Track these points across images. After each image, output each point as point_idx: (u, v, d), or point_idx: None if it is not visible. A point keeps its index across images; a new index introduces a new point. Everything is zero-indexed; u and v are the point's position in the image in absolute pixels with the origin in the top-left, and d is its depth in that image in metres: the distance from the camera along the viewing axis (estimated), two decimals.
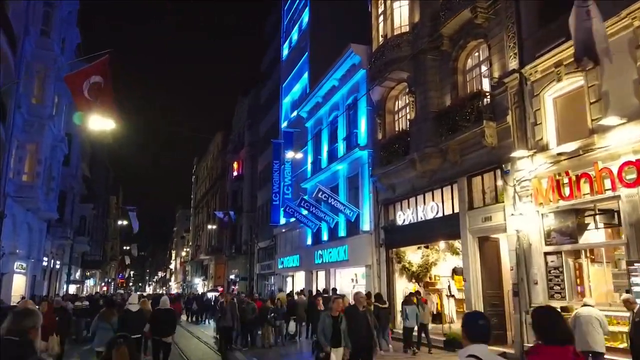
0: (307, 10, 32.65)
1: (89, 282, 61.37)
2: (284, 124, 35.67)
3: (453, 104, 15.77)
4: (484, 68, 15.77)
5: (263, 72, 45.83)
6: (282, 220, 33.42)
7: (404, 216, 19.22)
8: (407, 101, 19.31)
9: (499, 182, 14.30)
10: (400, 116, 20.16)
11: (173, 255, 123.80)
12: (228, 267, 52.81)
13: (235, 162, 51.64)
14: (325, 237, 26.04)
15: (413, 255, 19.75)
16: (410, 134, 17.94)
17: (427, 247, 18.99)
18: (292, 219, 30.78)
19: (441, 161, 16.76)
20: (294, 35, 35.64)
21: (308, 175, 28.89)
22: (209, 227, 55.82)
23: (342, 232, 23.83)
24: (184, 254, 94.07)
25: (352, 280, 24.10)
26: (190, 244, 79.18)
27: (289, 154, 21.53)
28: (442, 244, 18.32)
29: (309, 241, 28.30)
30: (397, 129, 20.10)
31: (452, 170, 16.29)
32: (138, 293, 44.73)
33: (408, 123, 18.57)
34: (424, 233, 17.85)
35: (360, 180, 22.30)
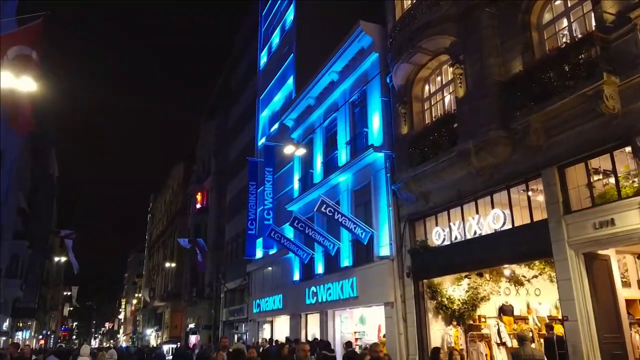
0: (291, 9, 28.30)
1: (21, 335, 52.37)
2: (261, 141, 30.52)
3: (540, 62, 11.09)
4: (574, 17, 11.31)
5: (234, 90, 40.91)
6: (259, 254, 27.69)
7: (443, 234, 14.14)
8: (448, 78, 14.68)
9: (629, 166, 9.57)
10: (433, 102, 15.39)
11: (123, 303, 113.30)
12: (187, 314, 45.81)
13: (199, 193, 45.70)
14: (320, 269, 20.53)
15: (454, 288, 14.60)
16: (459, 118, 13.15)
17: (480, 276, 13.90)
18: (272, 251, 25.26)
19: (510, 150, 11.96)
20: (275, 40, 31.11)
21: (295, 195, 23.60)
22: (168, 264, 48.81)
23: (346, 261, 18.45)
24: (135, 301, 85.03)
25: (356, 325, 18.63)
26: (143, 290, 70.90)
27: (288, 149, 16.14)
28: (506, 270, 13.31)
29: (297, 276, 22.67)
30: (430, 117, 15.27)
31: (528, 160, 11.49)
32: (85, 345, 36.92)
33: (454, 103, 13.82)
34: (478, 255, 12.77)
35: (373, 192, 17.19)
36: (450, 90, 14.62)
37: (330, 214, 16.57)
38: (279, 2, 30.93)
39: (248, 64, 36.59)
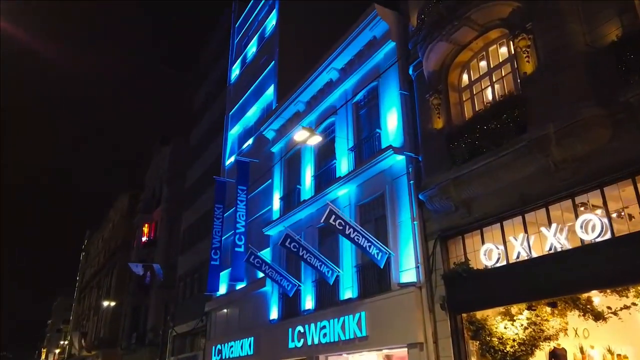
0: (273, 15, 25.54)
1: None
2: (229, 160, 26.81)
3: None
4: None
5: (196, 110, 37.18)
6: (223, 289, 23.40)
7: (497, 252, 10.94)
8: (497, 61, 11.90)
9: None
10: (475, 92, 12.50)
11: (43, 354, 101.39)
12: None
13: (146, 225, 40.67)
14: (309, 303, 16.66)
15: (506, 323, 11.27)
16: (529, 99, 10.25)
17: (554, 306, 10.69)
18: (241, 285, 21.21)
19: (609, 134, 9.12)
20: (250, 51, 28.08)
21: (274, 217, 19.92)
22: (106, 303, 42.50)
23: (348, 292, 14.79)
24: (58, 350, 75.59)
25: None
26: (71, 336, 62.67)
27: (300, 135, 12.65)
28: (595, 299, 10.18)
29: (275, 314, 18.61)
30: (472, 109, 12.32)
31: (636, 147, 8.67)
32: None
33: (518, 84, 10.96)
34: (556, 277, 9.57)
35: (389, 205, 13.89)
36: (500, 76, 11.85)
37: (341, 227, 13.06)
38: (258, 10, 28.19)
39: (216, 80, 33.19)
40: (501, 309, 11.24)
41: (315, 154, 18.48)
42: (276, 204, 20.31)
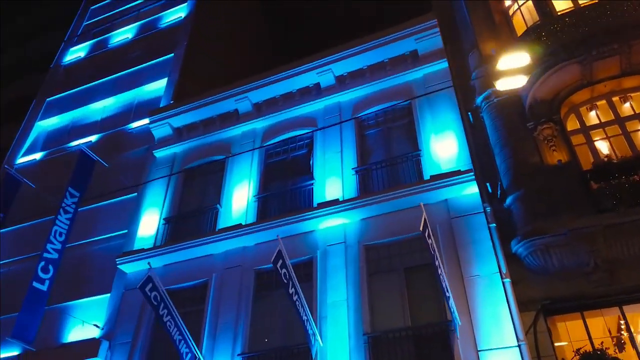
0: (182, 9, 19.86)
1: None
2: (29, 157, 17.33)
3: None
4: None
5: None
6: None
7: None
8: (609, 117, 9.82)
9: None
10: (611, 134, 9.90)
11: None
12: None
13: None
14: None
15: None
16: None
17: None
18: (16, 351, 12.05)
19: None
20: (118, 38, 20.71)
21: (138, 246, 12.32)
22: None
23: None
24: None
25: None
26: None
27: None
28: None
29: None
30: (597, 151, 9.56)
31: None
32: None
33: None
34: None
35: (444, 253, 9.29)
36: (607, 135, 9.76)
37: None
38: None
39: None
40: None
41: (259, 169, 12.63)
42: (149, 227, 12.75)
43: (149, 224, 12.84)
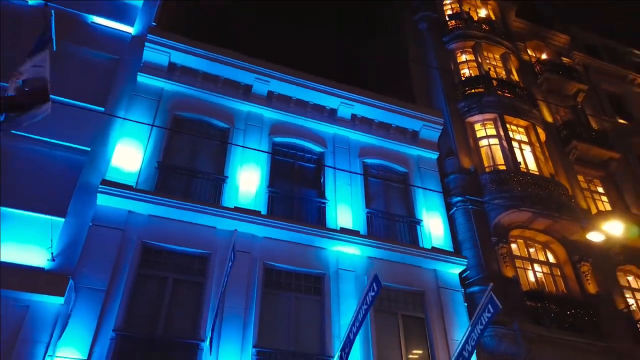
0: None
1: None
2: None
3: None
4: None
5: None
6: None
7: None
8: (542, 258, 14.19)
9: None
10: (526, 266, 13.74)
11: None
12: None
13: None
14: None
15: None
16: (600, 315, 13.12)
17: None
18: None
19: None
20: None
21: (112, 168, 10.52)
22: None
23: None
24: None
25: None
26: None
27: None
28: None
29: None
30: (529, 280, 13.36)
31: None
32: None
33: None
34: None
35: (434, 318, 11.48)
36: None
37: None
38: None
39: None
40: None
41: (269, 161, 12.42)
42: (129, 161, 10.84)
43: (129, 157, 10.88)
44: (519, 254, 14.00)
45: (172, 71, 12.79)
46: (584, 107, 20.11)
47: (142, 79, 12.35)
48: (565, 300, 13.11)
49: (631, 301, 14.78)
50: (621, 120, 20.69)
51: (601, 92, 21.46)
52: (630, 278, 15.64)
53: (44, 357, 8.26)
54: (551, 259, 14.47)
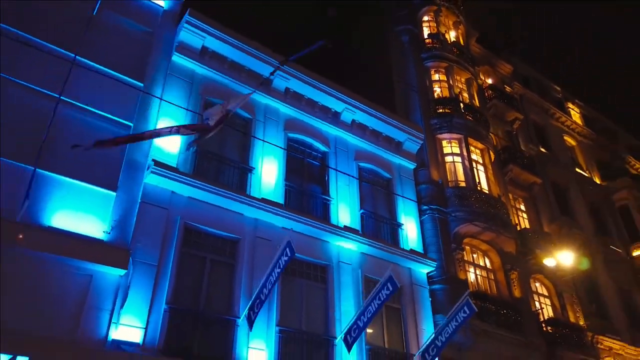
0: None
1: None
2: None
3: None
4: None
5: None
6: None
7: None
8: (483, 263, 17.06)
9: None
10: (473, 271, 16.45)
11: None
12: None
13: None
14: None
15: None
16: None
17: None
18: None
19: None
20: None
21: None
22: None
23: None
24: None
25: None
26: None
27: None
28: None
29: (125, 333, 9.16)
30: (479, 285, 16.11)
31: None
32: None
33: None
34: None
35: (408, 310, 13.71)
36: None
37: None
38: None
39: None
40: None
41: (285, 155, 13.58)
42: (170, 142, 11.47)
43: (168, 138, 11.50)
44: (467, 259, 16.74)
45: (203, 55, 13.28)
46: (517, 134, 23.50)
47: (177, 58, 12.77)
48: (500, 302, 16.12)
49: (537, 305, 18.36)
50: (542, 149, 24.45)
51: (530, 122, 25.04)
52: (538, 284, 19.26)
53: (109, 324, 9.05)
54: (488, 264, 17.45)
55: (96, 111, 10.83)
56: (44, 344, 8.17)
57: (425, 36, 21.25)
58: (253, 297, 10.35)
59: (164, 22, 13.19)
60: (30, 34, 10.49)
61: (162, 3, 13.45)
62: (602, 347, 19.14)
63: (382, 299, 11.03)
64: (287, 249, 9.89)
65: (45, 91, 10.21)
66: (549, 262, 16.32)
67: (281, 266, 9.95)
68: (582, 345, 17.82)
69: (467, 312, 12.14)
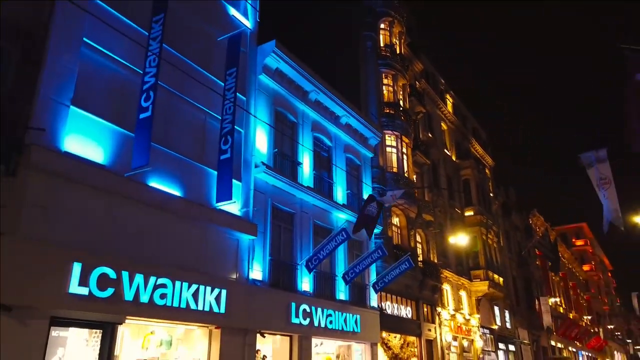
0: None
1: None
2: None
3: None
4: None
5: None
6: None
7: None
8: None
9: None
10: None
11: None
12: None
13: None
14: (307, 286, 17.56)
15: None
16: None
17: None
18: None
19: None
20: None
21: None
22: None
23: (342, 294, 19.29)
24: None
25: None
26: None
27: None
28: None
29: (257, 274, 15.52)
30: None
31: None
32: None
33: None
34: None
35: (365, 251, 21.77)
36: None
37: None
38: None
39: None
40: None
41: (311, 151, 19.69)
42: (261, 143, 16.96)
43: (261, 141, 16.92)
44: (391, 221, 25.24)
45: (277, 74, 18.23)
46: (419, 124, 32.08)
47: (262, 78, 17.62)
48: (404, 251, 25.15)
49: (418, 250, 28.08)
50: (430, 135, 33.61)
51: (427, 113, 33.78)
52: (418, 237, 28.96)
53: (248, 271, 15.13)
54: (398, 223, 26.27)
55: (211, 112, 15.71)
56: (225, 281, 14.09)
57: (382, 44, 27.69)
58: (311, 254, 17.10)
59: (251, 43, 17.61)
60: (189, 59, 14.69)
61: (247, 23, 17.56)
62: (443, 276, 30.05)
63: (337, 242, 18.46)
64: (343, 232, 16.79)
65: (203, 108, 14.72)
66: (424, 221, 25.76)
67: (337, 242, 16.85)
68: (435, 275, 28.25)
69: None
